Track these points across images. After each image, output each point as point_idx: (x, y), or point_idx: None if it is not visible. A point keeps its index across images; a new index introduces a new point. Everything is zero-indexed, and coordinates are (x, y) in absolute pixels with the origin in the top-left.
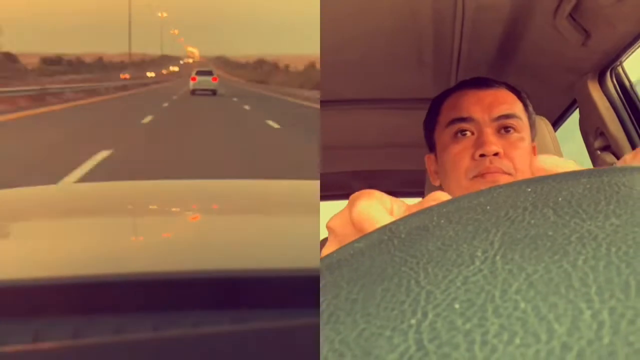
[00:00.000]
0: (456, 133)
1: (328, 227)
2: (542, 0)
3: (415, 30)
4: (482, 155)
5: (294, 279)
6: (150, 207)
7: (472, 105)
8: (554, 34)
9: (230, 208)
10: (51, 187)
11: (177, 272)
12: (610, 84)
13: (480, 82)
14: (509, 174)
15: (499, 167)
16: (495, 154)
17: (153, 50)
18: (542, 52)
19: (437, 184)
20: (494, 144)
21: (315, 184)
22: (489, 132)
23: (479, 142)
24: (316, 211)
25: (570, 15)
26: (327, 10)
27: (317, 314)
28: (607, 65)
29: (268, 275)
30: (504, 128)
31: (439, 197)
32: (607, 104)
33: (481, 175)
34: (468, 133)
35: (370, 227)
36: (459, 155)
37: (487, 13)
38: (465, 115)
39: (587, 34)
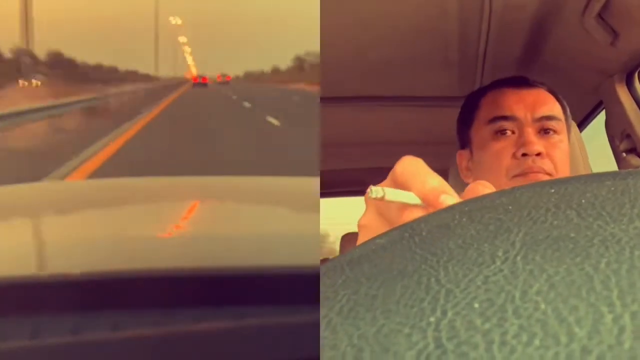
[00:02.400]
0: (497, 131)
1: (360, 226)
2: (570, 0)
3: (441, 29)
4: (524, 155)
5: (293, 276)
6: (150, 203)
7: (514, 104)
8: (581, 34)
9: (230, 205)
10: (50, 184)
11: (176, 268)
12: (637, 85)
13: (522, 81)
14: (550, 175)
15: (542, 167)
16: (538, 154)
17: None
18: (568, 52)
19: (468, 181)
20: (537, 143)
21: (315, 181)
22: (531, 131)
23: (521, 142)
24: (316, 208)
25: (599, 14)
26: (348, 8)
27: (316, 311)
28: (635, 67)
29: (268, 272)
30: (545, 129)
31: (481, 189)
32: (634, 106)
33: (523, 174)
34: (508, 132)
35: (415, 181)
36: (500, 153)
37: (513, 12)
38: (507, 113)
39: (615, 34)
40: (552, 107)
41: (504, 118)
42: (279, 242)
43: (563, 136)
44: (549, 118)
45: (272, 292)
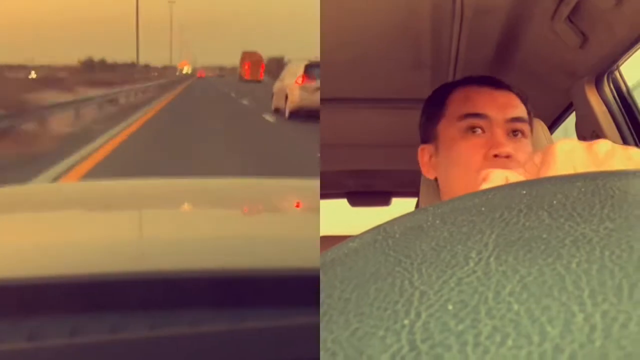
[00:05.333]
0: (467, 128)
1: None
2: (540, 3)
3: (413, 31)
4: (495, 156)
5: (292, 278)
6: (149, 205)
7: (487, 103)
8: (551, 37)
9: (229, 207)
10: (47, 185)
11: (174, 270)
12: (607, 87)
13: (493, 81)
14: None
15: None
16: (507, 156)
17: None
18: (539, 55)
19: (431, 176)
20: (507, 145)
21: (315, 183)
22: (502, 132)
23: (493, 142)
24: (316, 210)
25: (569, 18)
26: (326, 10)
27: (315, 313)
28: (604, 69)
29: (266, 274)
30: (514, 131)
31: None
32: (604, 108)
33: None
34: (479, 130)
35: None
36: (470, 152)
37: (485, 15)
38: (480, 111)
39: (584, 38)
40: (521, 109)
41: (477, 115)
42: (277, 244)
43: (529, 139)
44: (519, 120)
45: (270, 294)
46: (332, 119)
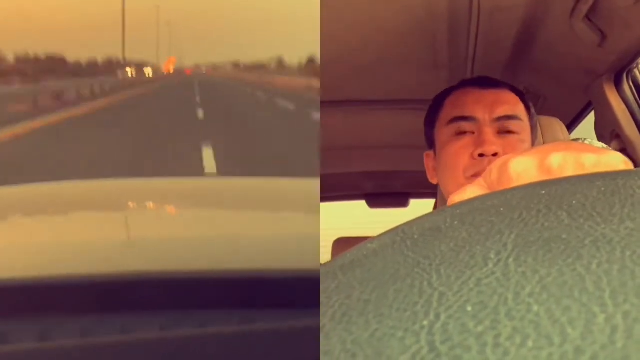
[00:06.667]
0: (456, 131)
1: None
2: (558, 2)
3: (430, 31)
4: (481, 155)
5: (303, 279)
6: (155, 206)
7: (474, 104)
8: (569, 35)
9: (231, 207)
10: (59, 184)
11: (185, 271)
12: (626, 85)
13: (483, 82)
14: None
15: None
16: (495, 154)
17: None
18: (557, 54)
19: (434, 181)
20: (494, 144)
21: (316, 183)
22: (489, 132)
23: (479, 142)
24: (316, 210)
25: (587, 16)
26: (337, 11)
27: (319, 315)
28: (623, 67)
29: (276, 276)
30: (504, 130)
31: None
32: (623, 106)
33: (479, 175)
34: (468, 132)
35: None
36: (458, 153)
37: (502, 14)
38: (466, 114)
39: (603, 36)
40: (513, 107)
41: (463, 119)
42: (285, 245)
43: (524, 136)
44: (509, 118)
45: (279, 295)
46: (343, 121)
